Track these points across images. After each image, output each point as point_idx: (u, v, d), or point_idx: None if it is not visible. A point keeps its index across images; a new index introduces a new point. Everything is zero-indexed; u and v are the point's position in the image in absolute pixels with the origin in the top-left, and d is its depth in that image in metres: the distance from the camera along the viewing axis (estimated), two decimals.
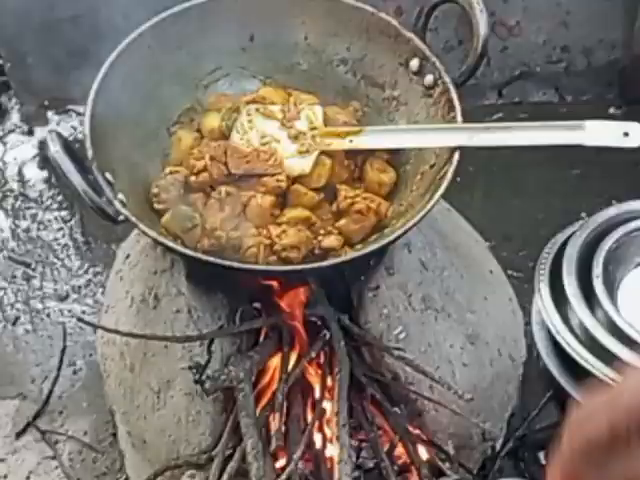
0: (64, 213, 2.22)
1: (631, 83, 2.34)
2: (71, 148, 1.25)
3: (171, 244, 1.25)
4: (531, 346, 1.70)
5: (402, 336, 1.43)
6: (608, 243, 1.61)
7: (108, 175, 1.26)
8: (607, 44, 2.35)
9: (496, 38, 2.27)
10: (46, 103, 2.41)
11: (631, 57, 2.33)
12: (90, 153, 1.27)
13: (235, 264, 1.24)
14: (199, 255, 1.25)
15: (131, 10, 1.93)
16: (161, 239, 1.25)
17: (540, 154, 1.94)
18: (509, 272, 1.86)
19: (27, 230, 2.20)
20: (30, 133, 2.40)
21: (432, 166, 1.36)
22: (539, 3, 2.28)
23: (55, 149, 1.21)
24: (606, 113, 2.32)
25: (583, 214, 2.04)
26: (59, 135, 1.24)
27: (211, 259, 1.23)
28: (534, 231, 2.04)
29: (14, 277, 2.11)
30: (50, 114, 2.41)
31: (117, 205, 1.23)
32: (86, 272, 2.12)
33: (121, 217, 1.24)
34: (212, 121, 1.43)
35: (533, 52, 2.37)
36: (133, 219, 1.24)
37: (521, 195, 2.19)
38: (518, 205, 2.16)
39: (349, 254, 1.29)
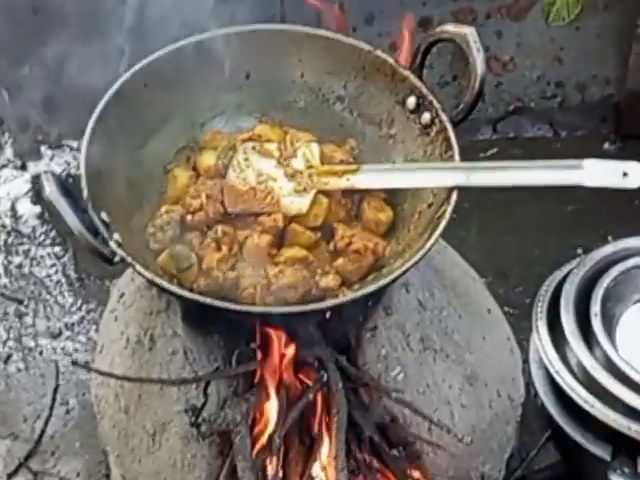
0: (57, 249, 2.20)
1: (625, 118, 2.35)
2: (66, 188, 1.23)
3: (167, 285, 1.24)
4: (529, 384, 1.68)
5: (400, 377, 1.42)
6: (606, 281, 1.60)
7: (104, 215, 1.25)
8: (601, 80, 2.36)
9: (490, 74, 2.27)
10: (40, 138, 2.39)
11: (625, 93, 2.34)
12: (85, 193, 1.26)
13: (232, 305, 1.23)
14: (195, 296, 1.23)
15: (127, 46, 1.94)
16: (157, 280, 1.23)
17: (535, 190, 1.93)
18: (506, 309, 1.85)
19: (20, 266, 2.18)
20: (23, 168, 2.38)
21: (430, 205, 1.36)
22: (533, 39, 2.29)
23: (50, 189, 1.20)
24: (601, 148, 2.33)
25: (579, 250, 2.04)
26: (54, 175, 1.23)
27: (207, 300, 1.22)
28: (530, 268, 2.04)
29: (6, 314, 2.09)
30: (44, 149, 2.40)
31: (113, 246, 1.22)
32: (79, 309, 2.10)
33: (117, 258, 1.22)
34: (208, 159, 1.43)
35: (527, 87, 2.38)
36: (129, 260, 1.23)
37: (516, 231, 2.18)
38: (513, 241, 2.15)
39: (347, 295, 1.28)
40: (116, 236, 1.24)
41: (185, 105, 1.48)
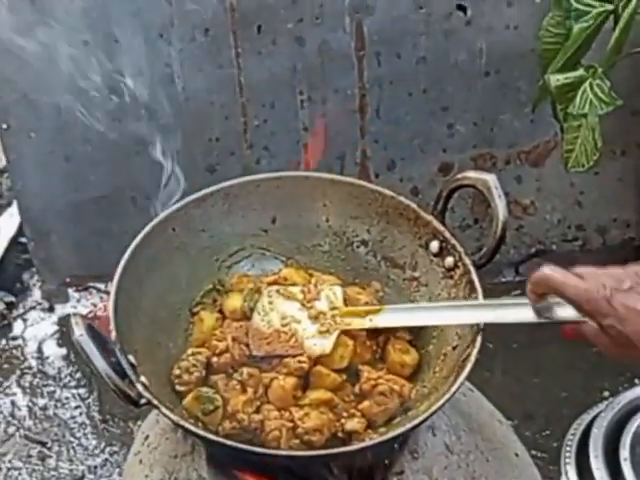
0: (82, 390, 2.21)
1: None
2: (94, 330, 1.25)
3: (193, 428, 1.23)
4: None
5: None
6: (634, 425, 1.58)
7: (131, 357, 1.26)
8: (621, 223, 2.38)
9: (511, 217, 2.30)
10: (67, 280, 2.43)
11: None
12: (114, 335, 1.27)
13: (257, 449, 1.22)
14: (221, 439, 1.23)
15: (153, 191, 2.00)
16: (183, 423, 1.23)
17: (559, 331, 1.92)
18: (533, 452, 1.82)
19: (44, 408, 2.18)
20: (51, 310, 2.42)
21: (455, 347, 1.35)
22: (552, 184, 2.33)
23: (79, 332, 1.21)
24: None
25: (606, 393, 2.02)
26: (83, 318, 1.25)
27: (233, 444, 1.21)
28: (556, 410, 2.02)
29: (29, 457, 2.08)
30: (71, 291, 2.43)
31: (139, 388, 1.22)
32: (103, 451, 2.08)
33: (143, 400, 1.23)
34: (234, 302, 1.44)
35: (548, 231, 2.41)
36: (155, 402, 1.22)
37: (541, 373, 2.17)
38: (538, 383, 2.14)
39: (373, 439, 1.27)
40: (143, 378, 1.24)
41: (212, 249, 1.50)
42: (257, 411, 1.30)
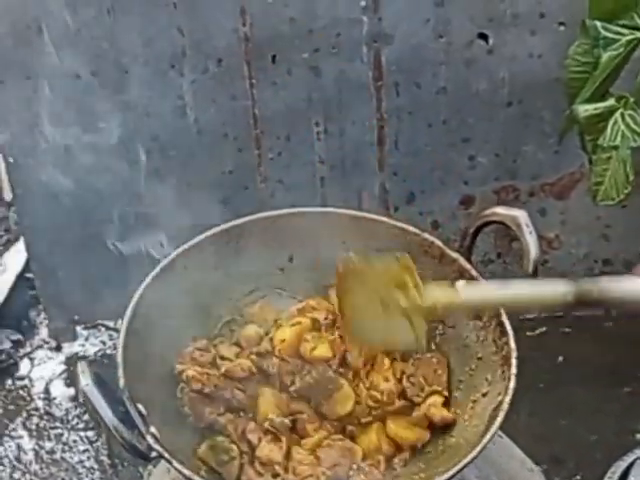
0: (90, 433, 2.14)
1: None
2: (101, 378, 1.20)
3: None
4: None
5: None
6: None
7: (140, 407, 1.19)
8: None
9: None
10: (75, 318, 2.37)
11: None
12: (122, 383, 1.21)
13: None
14: None
15: (168, 230, 1.94)
16: (196, 478, 1.15)
17: (587, 370, 1.86)
18: None
19: (51, 452, 2.12)
20: (58, 349, 2.36)
21: (485, 394, 1.29)
22: (578, 217, 2.26)
23: (85, 382, 1.17)
24: None
25: (639, 435, 1.93)
26: (89, 366, 1.19)
27: None
28: (587, 454, 1.95)
29: None
30: (79, 329, 2.37)
31: (150, 440, 1.16)
32: None
33: (154, 453, 1.16)
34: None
35: (574, 265, 2.34)
36: (166, 455, 1.16)
37: (569, 414, 2.08)
38: (567, 425, 2.06)
39: None
40: (153, 429, 1.18)
41: (225, 289, 1.44)
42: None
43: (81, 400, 2.19)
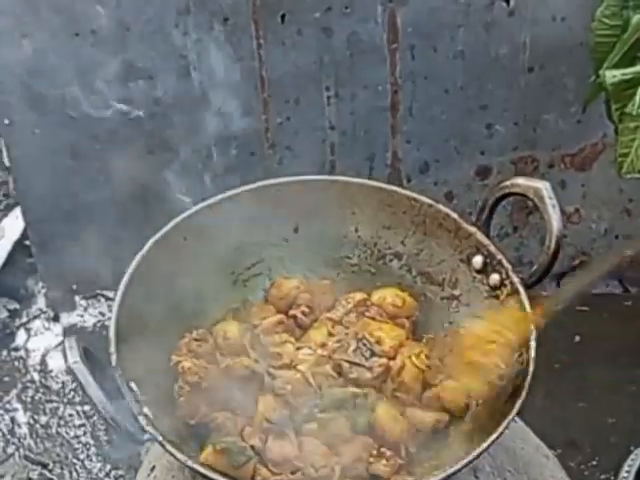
0: (87, 408, 2.09)
1: None
2: (92, 355, 1.14)
3: (209, 473, 1.08)
4: None
5: None
6: None
7: (133, 385, 1.12)
8: None
9: None
10: (74, 287, 2.31)
11: None
12: (114, 359, 1.14)
13: None
14: None
15: (167, 197, 1.86)
16: (195, 466, 1.08)
17: (605, 350, 1.79)
18: None
19: (46, 426, 2.07)
20: (56, 319, 2.30)
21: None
22: (600, 190, 2.20)
23: (73, 359, 1.10)
24: None
25: None
26: (78, 342, 1.12)
27: None
28: (604, 438, 1.89)
29: (29, 479, 1.95)
30: (78, 299, 2.31)
31: (142, 421, 1.09)
32: (107, 475, 1.97)
33: (146, 436, 1.09)
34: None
35: (594, 241, 2.28)
36: (159, 438, 1.09)
37: (586, 396, 2.02)
38: (583, 407, 1.99)
39: None
40: (146, 410, 1.10)
41: (227, 261, 1.36)
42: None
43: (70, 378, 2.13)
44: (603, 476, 1.72)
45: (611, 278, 2.25)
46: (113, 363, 1.13)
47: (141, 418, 1.09)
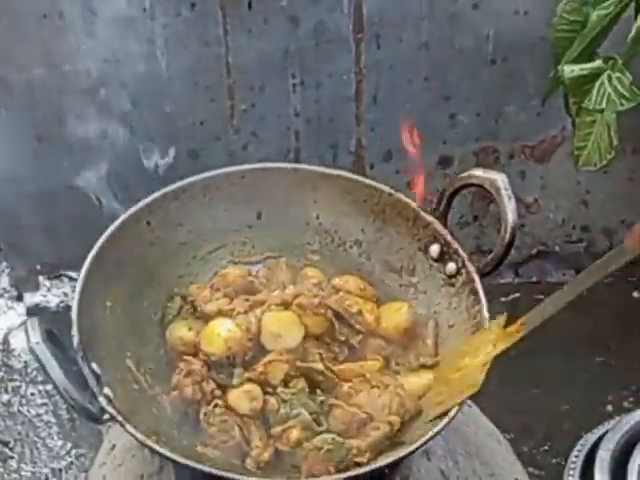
0: (49, 387, 2.07)
1: None
2: (54, 335, 1.14)
3: (163, 450, 1.10)
4: None
5: None
6: None
7: (94, 366, 1.14)
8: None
9: None
10: (38, 267, 2.31)
11: None
12: (76, 341, 1.15)
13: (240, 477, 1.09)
14: (199, 465, 1.09)
15: (132, 181, 1.87)
16: (153, 445, 1.10)
17: (561, 338, 1.82)
18: (530, 470, 1.71)
19: (8, 404, 2.06)
20: (19, 299, 2.29)
21: None
22: (558, 181, 2.22)
23: (35, 340, 1.10)
24: (630, 296, 2.21)
25: (609, 407, 1.91)
26: (40, 323, 1.12)
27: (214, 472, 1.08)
28: (556, 424, 1.92)
29: None
30: (41, 279, 2.30)
31: (102, 402, 1.10)
32: (68, 453, 1.97)
33: (106, 416, 1.11)
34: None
35: (552, 231, 2.30)
36: (119, 418, 1.10)
37: (540, 383, 2.05)
38: (537, 395, 2.02)
39: (364, 467, 1.14)
40: (106, 390, 1.12)
41: (190, 246, 1.37)
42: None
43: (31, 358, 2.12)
44: (554, 460, 1.76)
45: (567, 267, 2.29)
46: (75, 345, 1.13)
47: (101, 398, 1.10)
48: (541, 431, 1.95)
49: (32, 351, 1.10)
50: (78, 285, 1.21)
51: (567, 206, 2.27)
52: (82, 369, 1.12)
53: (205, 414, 1.19)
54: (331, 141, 2.14)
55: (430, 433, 1.12)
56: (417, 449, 1.12)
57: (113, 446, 1.48)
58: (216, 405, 1.19)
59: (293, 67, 2.02)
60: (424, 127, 2.09)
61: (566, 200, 2.26)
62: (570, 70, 1.61)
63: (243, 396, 1.19)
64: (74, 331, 1.15)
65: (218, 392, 1.20)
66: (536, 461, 1.84)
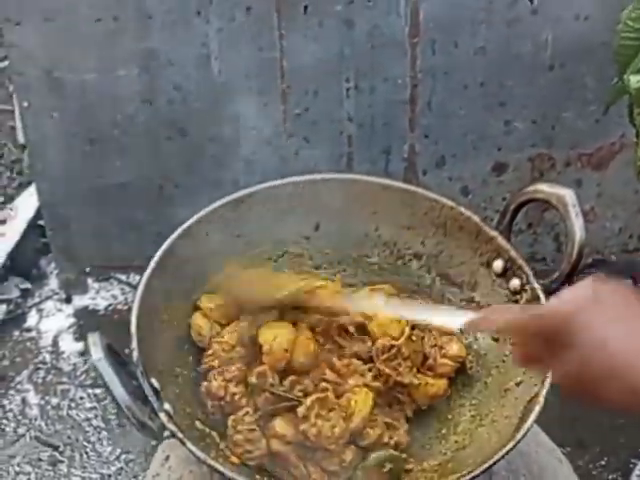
0: (98, 391, 2.08)
1: None
2: (114, 350, 1.12)
3: (226, 471, 1.08)
4: None
5: None
6: None
7: (154, 381, 1.12)
8: None
9: None
10: (87, 270, 2.31)
11: None
12: (136, 355, 1.13)
13: None
14: None
15: (188, 182, 1.85)
16: (214, 463, 1.09)
17: None
18: None
19: (57, 408, 2.06)
20: (68, 301, 2.29)
21: (518, 384, 1.21)
22: (615, 190, 2.18)
23: (97, 357, 1.09)
24: None
25: None
26: (101, 338, 1.11)
27: None
28: (612, 438, 1.87)
29: (39, 460, 1.96)
30: (90, 281, 2.30)
31: (163, 418, 1.09)
32: (118, 459, 1.96)
33: (166, 433, 1.10)
34: None
35: (608, 239, 2.27)
36: (180, 435, 1.09)
37: None
38: (593, 408, 1.96)
39: None
40: (167, 406, 1.11)
41: (247, 257, 1.35)
42: None
43: (93, 374, 2.12)
44: (611, 476, 1.71)
45: (623, 276, 2.25)
46: (135, 359, 1.12)
47: (162, 415, 1.09)
48: (596, 445, 1.91)
49: (95, 368, 1.09)
50: (136, 300, 1.19)
51: (624, 215, 2.23)
52: (142, 384, 1.11)
53: (234, 420, 1.17)
54: (384, 146, 2.11)
55: (497, 455, 1.10)
56: (485, 471, 1.10)
57: (167, 457, 1.45)
58: (246, 413, 1.17)
59: (347, 71, 2.00)
60: (479, 133, 2.09)
61: (623, 209, 2.22)
62: (636, 80, 1.57)
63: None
64: (134, 345, 1.14)
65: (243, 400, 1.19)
66: (592, 477, 1.80)
